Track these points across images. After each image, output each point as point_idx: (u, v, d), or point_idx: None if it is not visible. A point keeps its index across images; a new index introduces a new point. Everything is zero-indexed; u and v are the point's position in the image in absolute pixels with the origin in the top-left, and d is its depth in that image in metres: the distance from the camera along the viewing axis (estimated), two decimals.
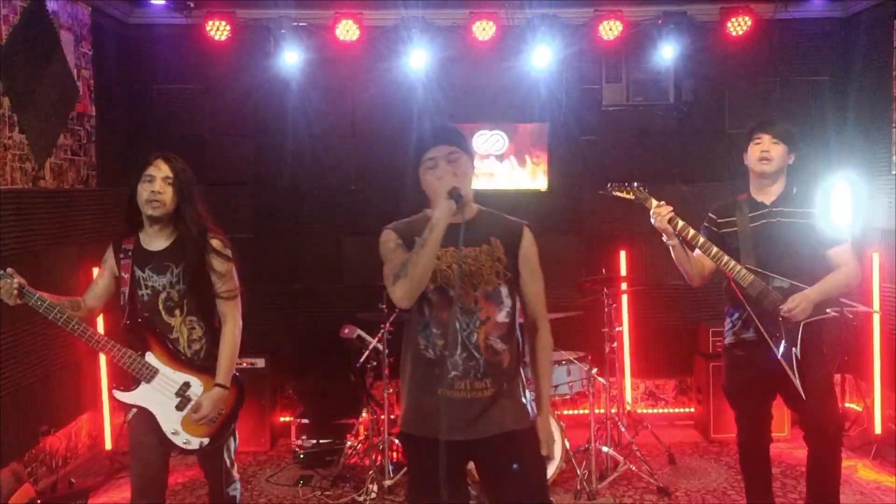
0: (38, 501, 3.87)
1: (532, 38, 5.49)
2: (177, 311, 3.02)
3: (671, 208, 3.36)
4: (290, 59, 5.50)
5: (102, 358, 5.07)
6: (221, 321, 3.09)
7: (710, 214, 3.56)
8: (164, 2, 5.44)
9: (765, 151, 3.36)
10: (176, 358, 3.02)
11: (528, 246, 2.54)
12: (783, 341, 3.31)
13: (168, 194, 2.97)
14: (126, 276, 3.00)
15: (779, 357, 3.30)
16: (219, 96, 5.77)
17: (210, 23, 5.39)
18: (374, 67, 5.71)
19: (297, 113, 5.72)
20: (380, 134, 5.81)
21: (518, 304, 2.56)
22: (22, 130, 4.33)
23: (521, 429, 2.50)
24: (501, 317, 2.48)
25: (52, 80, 4.63)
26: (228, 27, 5.42)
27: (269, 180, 5.84)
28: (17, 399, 4.25)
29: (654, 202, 3.40)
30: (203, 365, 3.06)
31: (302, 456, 4.97)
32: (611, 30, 5.45)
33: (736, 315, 3.47)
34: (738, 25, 5.45)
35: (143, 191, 2.97)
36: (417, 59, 5.51)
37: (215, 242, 3.05)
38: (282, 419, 5.63)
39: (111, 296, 3.11)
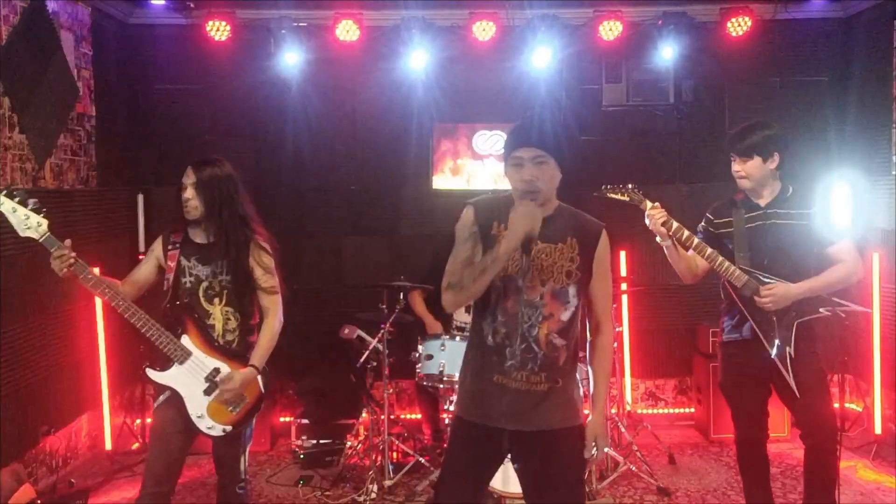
0: (38, 501, 3.87)
1: (532, 39, 5.49)
2: (216, 300, 3.17)
3: (665, 212, 3.38)
4: (291, 59, 5.50)
5: (103, 358, 5.07)
6: (264, 314, 3.26)
7: (708, 215, 3.58)
8: (164, 2, 5.45)
9: (737, 171, 3.41)
10: (209, 343, 3.13)
11: (604, 249, 2.56)
12: (777, 340, 3.33)
13: (195, 198, 3.14)
14: (172, 264, 3.17)
15: (773, 357, 3.33)
16: (219, 96, 5.77)
17: (210, 23, 5.39)
18: (374, 68, 5.71)
19: (297, 113, 5.72)
20: (380, 134, 5.82)
21: (581, 306, 2.56)
22: (22, 130, 4.33)
23: (568, 427, 2.53)
24: (566, 315, 2.50)
25: (52, 80, 4.63)
26: (228, 27, 5.41)
27: (269, 180, 5.83)
28: (17, 399, 4.25)
29: (649, 204, 3.43)
30: (235, 353, 3.17)
31: (302, 456, 4.96)
32: (611, 30, 5.45)
33: (732, 313, 3.49)
34: (738, 26, 5.45)
35: (181, 196, 3.17)
36: (418, 60, 5.51)
37: (260, 239, 3.24)
38: (282, 419, 5.63)
39: (149, 285, 3.26)
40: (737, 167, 3.40)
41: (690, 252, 3.47)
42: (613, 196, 3.56)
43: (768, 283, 3.32)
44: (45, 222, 2.90)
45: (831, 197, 5.19)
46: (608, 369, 2.67)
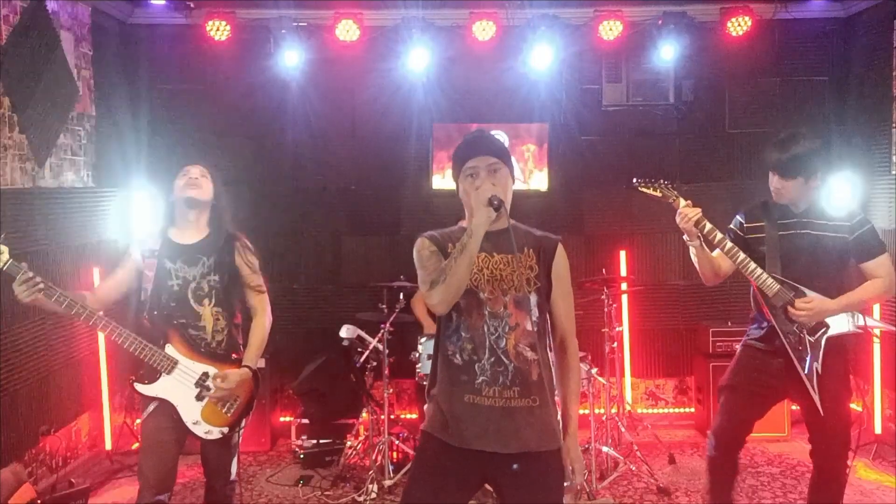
0: (38, 501, 3.88)
1: (532, 39, 5.49)
2: (205, 301, 3.13)
3: (698, 211, 3.20)
4: (290, 59, 5.49)
5: (103, 358, 5.07)
6: (253, 313, 3.26)
7: (738, 217, 3.42)
8: (164, 2, 5.44)
9: (776, 189, 3.24)
10: (194, 349, 3.11)
11: (561, 262, 2.51)
12: (807, 356, 3.17)
13: (206, 181, 3.19)
14: (150, 273, 3.11)
15: (803, 375, 3.16)
16: (219, 96, 5.77)
17: (210, 23, 5.39)
18: (374, 68, 5.71)
19: (297, 113, 5.73)
20: (380, 134, 5.82)
21: (546, 319, 2.50)
22: (22, 130, 4.33)
23: (546, 450, 2.40)
24: (531, 325, 2.42)
25: (52, 80, 4.63)
26: (228, 27, 5.42)
27: (269, 180, 5.84)
28: (17, 399, 4.25)
29: (683, 201, 3.25)
30: (222, 355, 3.16)
31: (302, 456, 4.97)
32: (611, 30, 5.46)
33: (760, 323, 3.33)
34: (738, 25, 5.45)
35: (181, 181, 3.17)
36: (417, 60, 5.51)
37: (246, 240, 3.28)
38: (282, 419, 5.63)
39: (122, 294, 3.20)
40: (776, 185, 3.22)
41: (716, 253, 3.31)
42: (645, 191, 3.36)
43: (801, 293, 3.16)
44: (5, 249, 2.79)
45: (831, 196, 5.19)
46: (577, 389, 2.53)
